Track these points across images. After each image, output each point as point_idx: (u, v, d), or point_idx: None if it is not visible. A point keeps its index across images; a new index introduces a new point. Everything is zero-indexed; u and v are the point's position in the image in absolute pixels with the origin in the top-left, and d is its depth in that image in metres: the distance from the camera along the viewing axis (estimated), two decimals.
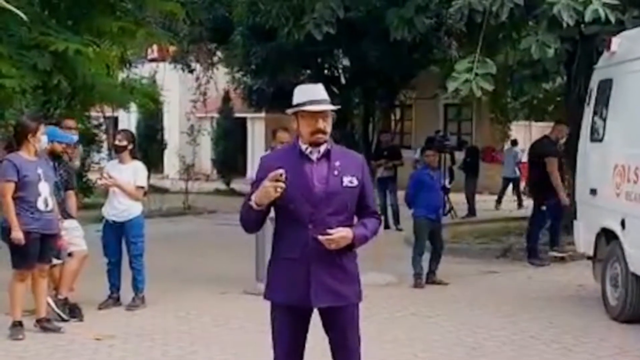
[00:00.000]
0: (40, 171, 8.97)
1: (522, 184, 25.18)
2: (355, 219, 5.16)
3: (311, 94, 5.02)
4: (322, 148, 5.03)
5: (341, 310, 5.04)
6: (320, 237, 4.82)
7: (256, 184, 5.01)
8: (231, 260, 13.30)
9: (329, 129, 4.99)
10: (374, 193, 5.52)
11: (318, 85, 5.13)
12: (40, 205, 8.88)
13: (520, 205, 24.24)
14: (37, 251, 8.97)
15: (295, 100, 5.03)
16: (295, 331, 5.10)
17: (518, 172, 25.53)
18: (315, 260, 4.90)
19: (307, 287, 4.91)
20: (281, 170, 4.80)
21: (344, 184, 4.98)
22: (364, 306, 5.31)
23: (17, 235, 8.61)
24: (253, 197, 4.90)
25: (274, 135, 12.09)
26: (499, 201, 25.33)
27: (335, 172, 4.98)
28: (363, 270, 5.34)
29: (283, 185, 4.78)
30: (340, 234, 4.86)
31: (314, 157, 5.03)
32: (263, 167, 5.12)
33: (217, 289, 11.55)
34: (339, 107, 5.12)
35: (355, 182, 5.03)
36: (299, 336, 5.12)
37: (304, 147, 5.03)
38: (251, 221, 5.09)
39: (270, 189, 4.78)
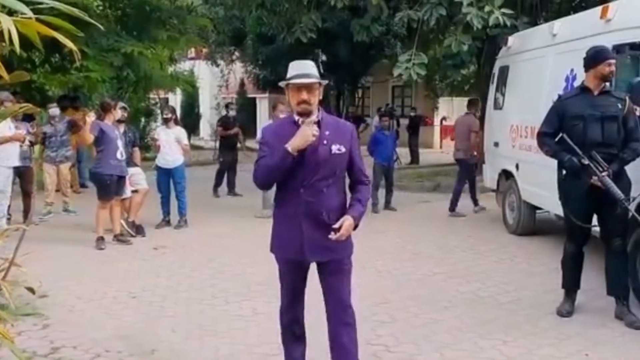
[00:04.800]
0: (117, 133, 9.19)
1: None
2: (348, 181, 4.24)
3: (298, 69, 4.01)
4: (313, 118, 4.00)
5: (332, 262, 4.09)
6: (332, 238, 3.87)
7: (264, 146, 4.09)
8: (245, 195, 13.24)
9: (313, 100, 3.97)
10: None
11: (305, 61, 4.14)
12: (118, 155, 9.04)
13: None
14: (116, 188, 9.14)
15: (287, 75, 4.05)
16: (295, 279, 4.21)
17: None
18: (307, 219, 3.97)
19: (301, 243, 4.00)
20: (313, 118, 3.98)
21: (333, 152, 3.99)
22: None
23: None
24: (288, 146, 3.86)
25: (274, 107, 12.15)
26: None
27: (325, 142, 3.97)
28: None
29: (317, 130, 3.91)
30: (346, 227, 3.89)
31: None
32: (265, 134, 4.21)
33: (236, 214, 11.50)
34: (325, 81, 4.11)
35: (344, 150, 4.03)
36: (298, 284, 4.22)
37: (296, 118, 4.03)
38: (278, 172, 3.97)
39: (309, 131, 3.87)
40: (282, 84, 4.06)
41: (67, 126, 11.73)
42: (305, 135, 3.87)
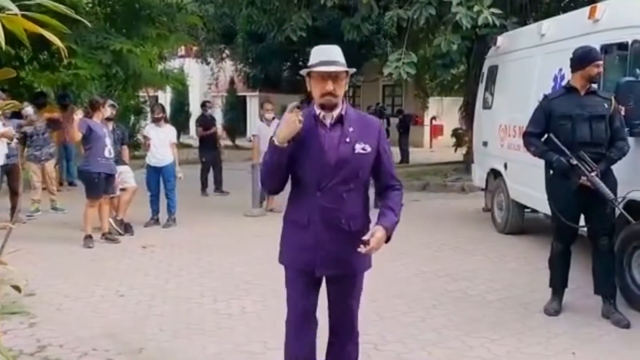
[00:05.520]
0: (105, 131, 9.17)
1: None
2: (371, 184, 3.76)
3: (322, 55, 3.41)
4: (336, 113, 3.44)
5: (346, 278, 3.58)
6: (362, 251, 3.31)
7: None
8: (234, 193, 13.24)
9: (339, 92, 3.40)
10: None
11: (333, 47, 3.49)
12: (106, 153, 9.02)
13: None
14: (104, 186, 9.12)
15: (309, 61, 3.45)
16: (305, 293, 3.60)
17: None
18: (323, 228, 3.43)
19: (315, 254, 3.46)
20: (296, 103, 3.40)
21: (356, 151, 3.42)
22: None
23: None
24: (275, 137, 3.36)
25: (262, 106, 12.28)
26: None
27: (348, 139, 3.41)
28: None
29: (302, 116, 3.32)
30: (377, 239, 3.33)
31: (327, 122, 3.44)
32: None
33: (225, 213, 11.51)
34: (353, 69, 3.49)
35: (369, 149, 3.45)
36: (309, 298, 3.61)
37: (317, 111, 3.46)
38: (276, 169, 3.43)
39: (294, 117, 3.29)
40: (303, 72, 3.49)
41: (47, 124, 11.69)
42: (291, 122, 3.31)
